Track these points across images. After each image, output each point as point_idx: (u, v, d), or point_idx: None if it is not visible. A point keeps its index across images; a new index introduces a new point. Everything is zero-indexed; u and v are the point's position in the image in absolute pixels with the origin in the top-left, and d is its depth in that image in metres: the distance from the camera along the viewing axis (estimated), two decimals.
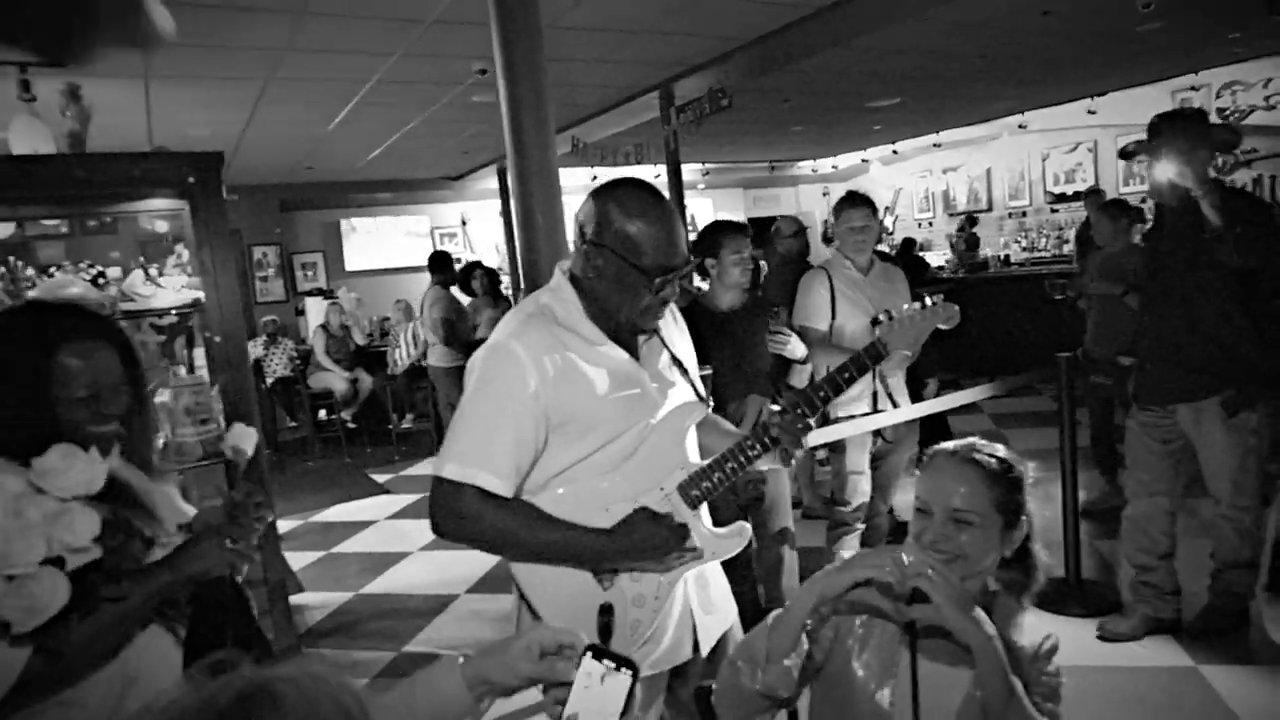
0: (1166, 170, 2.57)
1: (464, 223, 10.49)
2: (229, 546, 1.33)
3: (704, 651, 1.61)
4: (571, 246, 1.58)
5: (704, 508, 1.57)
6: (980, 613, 1.15)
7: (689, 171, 9.74)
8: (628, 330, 1.53)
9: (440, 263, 6.80)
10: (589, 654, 0.87)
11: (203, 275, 3.12)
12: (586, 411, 1.46)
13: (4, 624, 1.12)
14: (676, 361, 1.63)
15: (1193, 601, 2.98)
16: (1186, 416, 2.81)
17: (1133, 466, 3.00)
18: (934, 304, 1.58)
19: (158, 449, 1.62)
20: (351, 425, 7.87)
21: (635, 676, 0.86)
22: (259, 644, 1.43)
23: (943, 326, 1.60)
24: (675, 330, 1.69)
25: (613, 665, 0.86)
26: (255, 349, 7.44)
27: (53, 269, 3.34)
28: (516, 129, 2.48)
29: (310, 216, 9.58)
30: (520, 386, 1.43)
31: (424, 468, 6.84)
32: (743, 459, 1.53)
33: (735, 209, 11.93)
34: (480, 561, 4.50)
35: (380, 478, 6.67)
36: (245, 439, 1.67)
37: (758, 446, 1.53)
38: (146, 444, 1.49)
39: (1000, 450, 1.32)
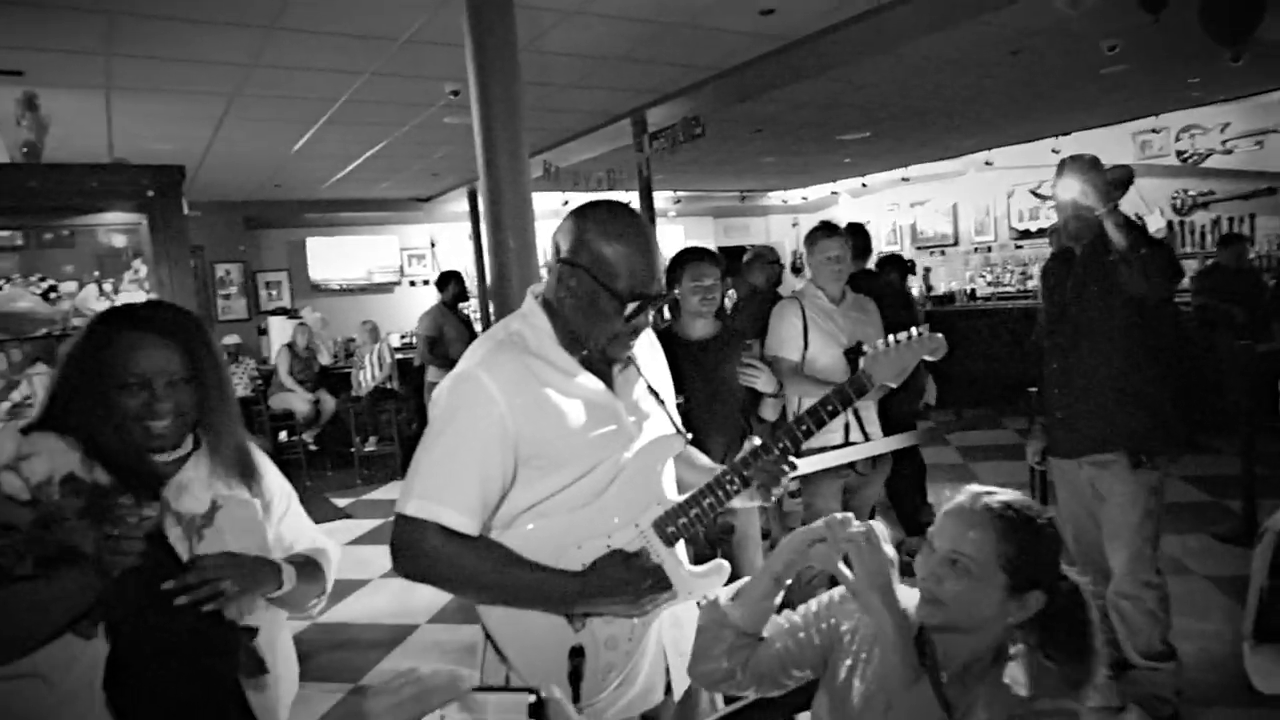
0: (1070, 189, 2.51)
1: (433, 244, 10.39)
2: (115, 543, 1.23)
3: (677, 695, 1.54)
4: (544, 272, 1.52)
5: (680, 545, 1.50)
6: (900, 596, 1.20)
7: (660, 199, 9.79)
8: (599, 359, 1.46)
9: (445, 281, 6.78)
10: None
11: (160, 291, 3.02)
12: (558, 445, 1.39)
13: None
14: (653, 392, 1.56)
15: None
16: (1091, 471, 2.70)
17: (1063, 516, 2.85)
18: (920, 334, 1.54)
19: (252, 456, 1.53)
20: (313, 447, 7.69)
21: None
22: None
23: (928, 358, 1.56)
24: (653, 359, 1.63)
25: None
26: None
27: (2, 282, 3.21)
28: (489, 152, 2.44)
29: (275, 234, 9.42)
30: (487, 418, 1.35)
31: (387, 492, 6.69)
32: (721, 494, 1.47)
33: (705, 237, 11.99)
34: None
35: (341, 502, 6.50)
36: None
37: (736, 482, 1.47)
38: (230, 448, 1.45)
39: (1037, 511, 1.23)
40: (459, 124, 5.83)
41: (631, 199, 7.92)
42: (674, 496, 1.51)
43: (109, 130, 5.28)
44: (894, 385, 1.57)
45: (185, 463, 1.41)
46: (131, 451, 1.35)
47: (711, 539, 2.79)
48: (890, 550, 1.21)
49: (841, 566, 1.21)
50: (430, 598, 4.30)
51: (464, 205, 9.45)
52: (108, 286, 3.29)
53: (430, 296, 6.91)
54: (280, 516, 1.59)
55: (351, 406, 7.64)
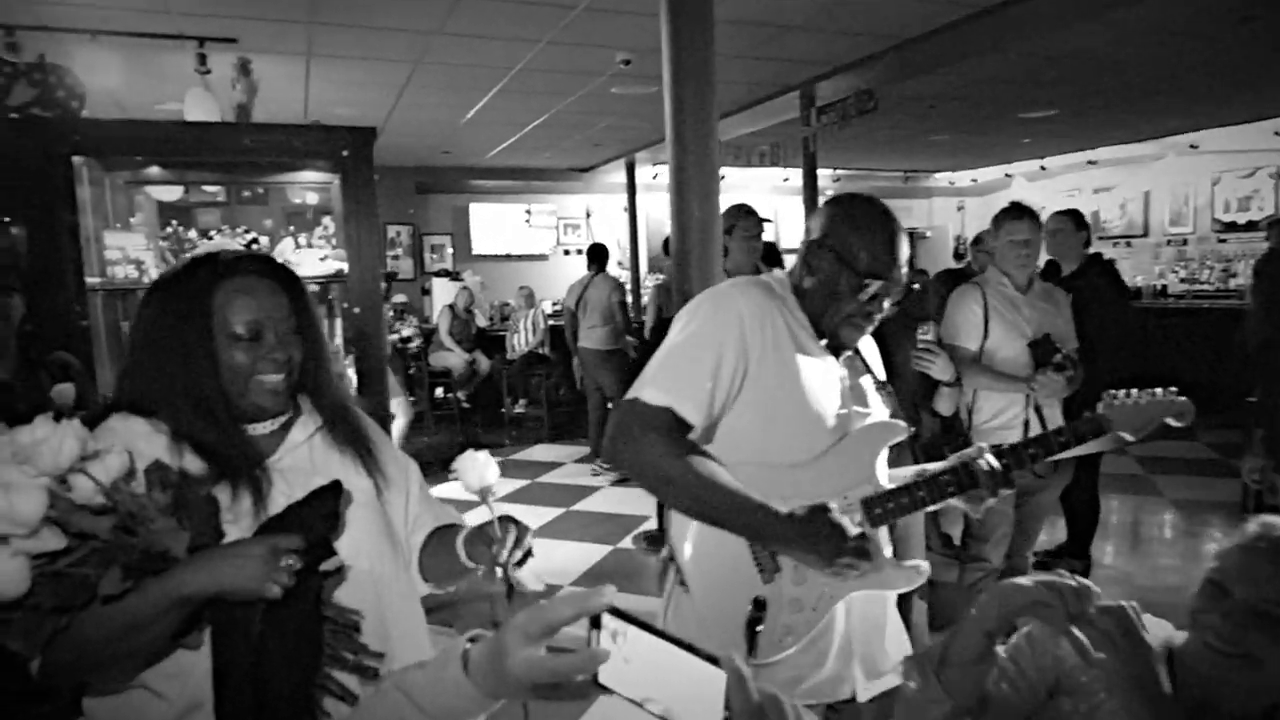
0: None
1: (588, 215, 10.57)
2: (281, 564, 1.00)
3: (861, 698, 1.51)
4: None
5: (884, 531, 1.50)
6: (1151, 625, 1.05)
7: (820, 177, 9.49)
8: (832, 340, 1.52)
9: (600, 253, 6.68)
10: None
11: (347, 247, 3.19)
12: (781, 380, 1.44)
13: None
14: (881, 384, 1.62)
15: None
16: None
17: None
18: (1169, 395, 1.48)
19: (361, 423, 1.33)
20: (466, 405, 8.05)
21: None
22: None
23: (1173, 423, 1.48)
24: (874, 356, 1.69)
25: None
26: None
27: (212, 233, 3.50)
28: (679, 121, 2.42)
29: (442, 200, 9.86)
30: (730, 324, 1.43)
31: (533, 453, 6.90)
32: (936, 493, 1.47)
33: None
34: (590, 553, 4.47)
35: None
36: (484, 470, 1.32)
37: (955, 485, 1.47)
38: (338, 411, 1.28)
39: None
40: (626, 94, 5.84)
41: (790, 175, 7.65)
42: (885, 483, 1.51)
43: (306, 95, 5.66)
44: (1131, 440, 1.51)
45: (285, 434, 1.23)
46: (226, 425, 1.16)
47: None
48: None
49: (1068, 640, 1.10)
50: (575, 561, 4.39)
51: (621, 177, 9.52)
52: (302, 240, 3.51)
53: (582, 266, 6.96)
54: (406, 495, 1.38)
55: (505, 369, 7.92)
